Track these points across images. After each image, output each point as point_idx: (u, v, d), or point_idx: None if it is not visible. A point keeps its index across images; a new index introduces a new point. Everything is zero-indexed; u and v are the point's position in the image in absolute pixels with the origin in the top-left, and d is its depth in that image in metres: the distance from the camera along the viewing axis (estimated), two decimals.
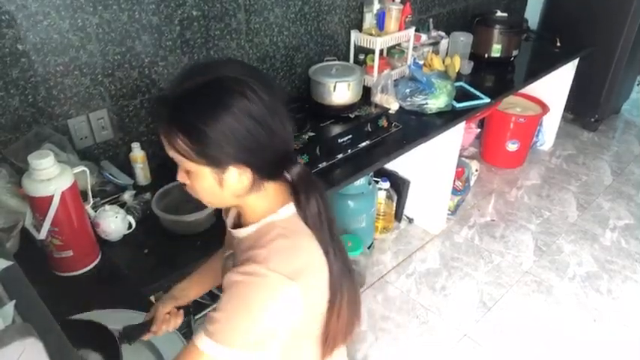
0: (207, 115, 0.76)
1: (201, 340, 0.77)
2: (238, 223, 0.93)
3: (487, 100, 2.37)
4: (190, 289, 1.14)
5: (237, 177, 0.80)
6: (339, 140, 1.87)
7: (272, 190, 0.86)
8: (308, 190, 0.85)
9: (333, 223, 0.89)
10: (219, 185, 0.81)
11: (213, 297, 1.65)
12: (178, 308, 1.11)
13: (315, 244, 0.84)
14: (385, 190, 2.50)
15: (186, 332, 1.56)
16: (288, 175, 0.86)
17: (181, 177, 0.85)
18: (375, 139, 1.97)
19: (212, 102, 0.76)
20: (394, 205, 2.58)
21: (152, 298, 1.30)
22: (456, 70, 2.57)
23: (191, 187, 0.85)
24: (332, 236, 0.87)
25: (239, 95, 0.76)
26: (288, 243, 0.81)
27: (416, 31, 2.42)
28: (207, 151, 0.77)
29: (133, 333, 1.02)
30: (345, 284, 0.88)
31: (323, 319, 0.88)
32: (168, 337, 1.09)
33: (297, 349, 0.89)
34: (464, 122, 2.31)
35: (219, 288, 1.55)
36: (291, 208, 0.85)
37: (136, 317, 1.11)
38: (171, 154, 0.81)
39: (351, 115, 2.01)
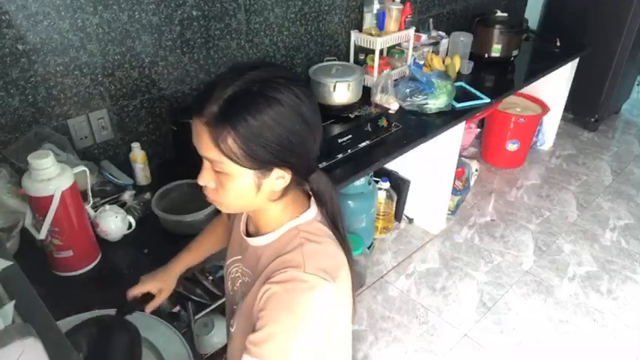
0: (262, 113, 0.73)
1: None
2: (246, 230, 0.92)
3: (487, 100, 2.37)
4: (184, 263, 1.18)
5: (275, 181, 0.79)
6: (339, 140, 1.87)
7: (293, 195, 0.85)
8: (330, 194, 0.88)
9: (344, 221, 0.93)
10: (256, 188, 0.79)
11: (213, 297, 1.64)
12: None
13: (337, 244, 0.86)
14: (385, 190, 2.50)
15: (186, 332, 1.56)
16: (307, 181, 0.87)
17: (206, 179, 0.80)
18: (375, 139, 1.97)
19: (267, 100, 0.73)
20: (394, 205, 2.58)
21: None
22: (456, 70, 2.57)
23: (216, 190, 0.80)
24: (344, 232, 0.91)
25: (292, 95, 0.75)
26: (319, 246, 0.82)
27: (416, 31, 2.42)
28: (257, 152, 0.74)
29: (132, 307, 1.09)
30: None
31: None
32: (169, 337, 1.09)
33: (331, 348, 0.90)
34: (464, 122, 2.31)
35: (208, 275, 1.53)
36: (310, 213, 0.86)
37: (135, 317, 1.11)
38: (211, 154, 0.75)
39: (351, 115, 2.01)
